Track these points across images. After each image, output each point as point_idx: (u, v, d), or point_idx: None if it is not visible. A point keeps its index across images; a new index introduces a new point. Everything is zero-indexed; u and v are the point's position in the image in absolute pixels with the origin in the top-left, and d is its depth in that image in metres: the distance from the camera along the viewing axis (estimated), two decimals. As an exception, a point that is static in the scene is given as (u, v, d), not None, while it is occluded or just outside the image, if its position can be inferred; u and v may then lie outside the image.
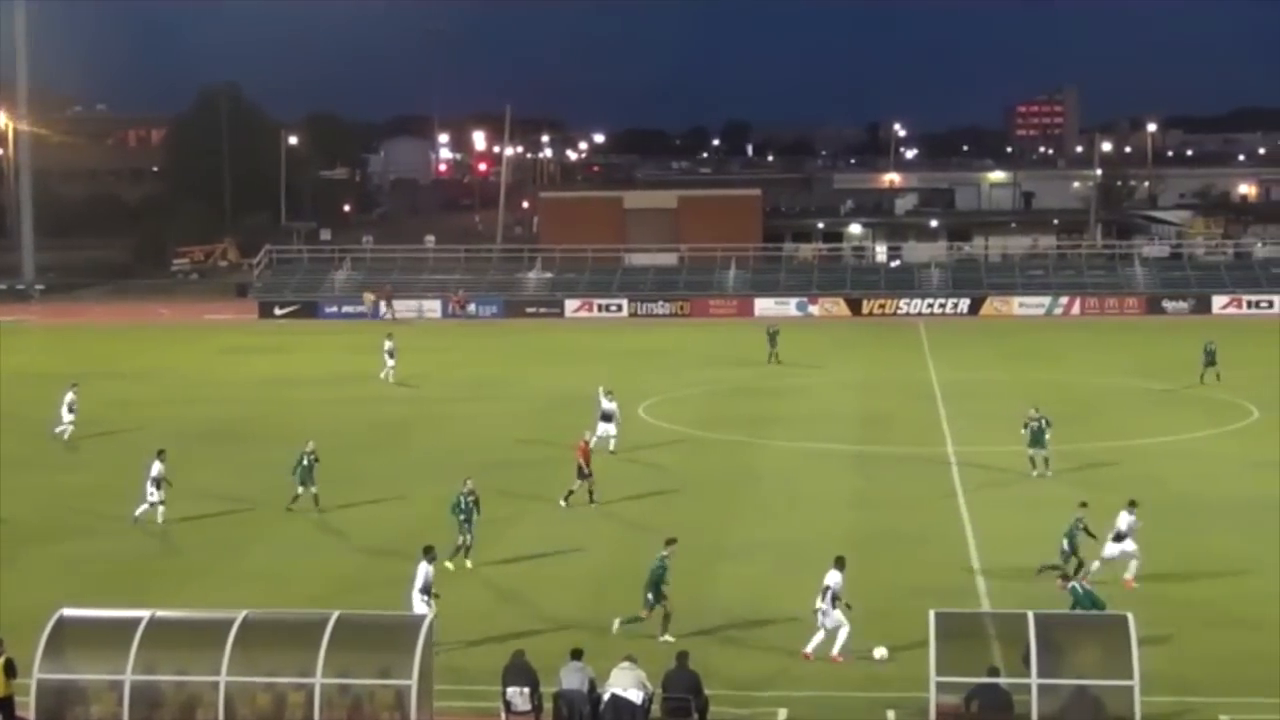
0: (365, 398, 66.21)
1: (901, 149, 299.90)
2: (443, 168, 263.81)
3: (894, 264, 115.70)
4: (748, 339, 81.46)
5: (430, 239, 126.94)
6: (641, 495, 45.83)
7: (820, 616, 30.91)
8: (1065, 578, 32.02)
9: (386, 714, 25.42)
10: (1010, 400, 59.10)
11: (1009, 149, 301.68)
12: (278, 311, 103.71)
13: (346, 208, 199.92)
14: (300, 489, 43.84)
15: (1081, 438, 52.88)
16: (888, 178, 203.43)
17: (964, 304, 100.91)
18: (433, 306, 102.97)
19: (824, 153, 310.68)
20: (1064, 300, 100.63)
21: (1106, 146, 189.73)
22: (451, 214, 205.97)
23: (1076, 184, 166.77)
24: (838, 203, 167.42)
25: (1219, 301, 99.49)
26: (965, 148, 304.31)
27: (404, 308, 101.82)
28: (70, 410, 56.21)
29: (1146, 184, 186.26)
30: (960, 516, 43.44)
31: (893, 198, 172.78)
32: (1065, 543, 35.71)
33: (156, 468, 42.93)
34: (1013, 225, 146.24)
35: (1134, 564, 35.79)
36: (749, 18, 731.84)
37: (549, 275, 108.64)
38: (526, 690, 26.86)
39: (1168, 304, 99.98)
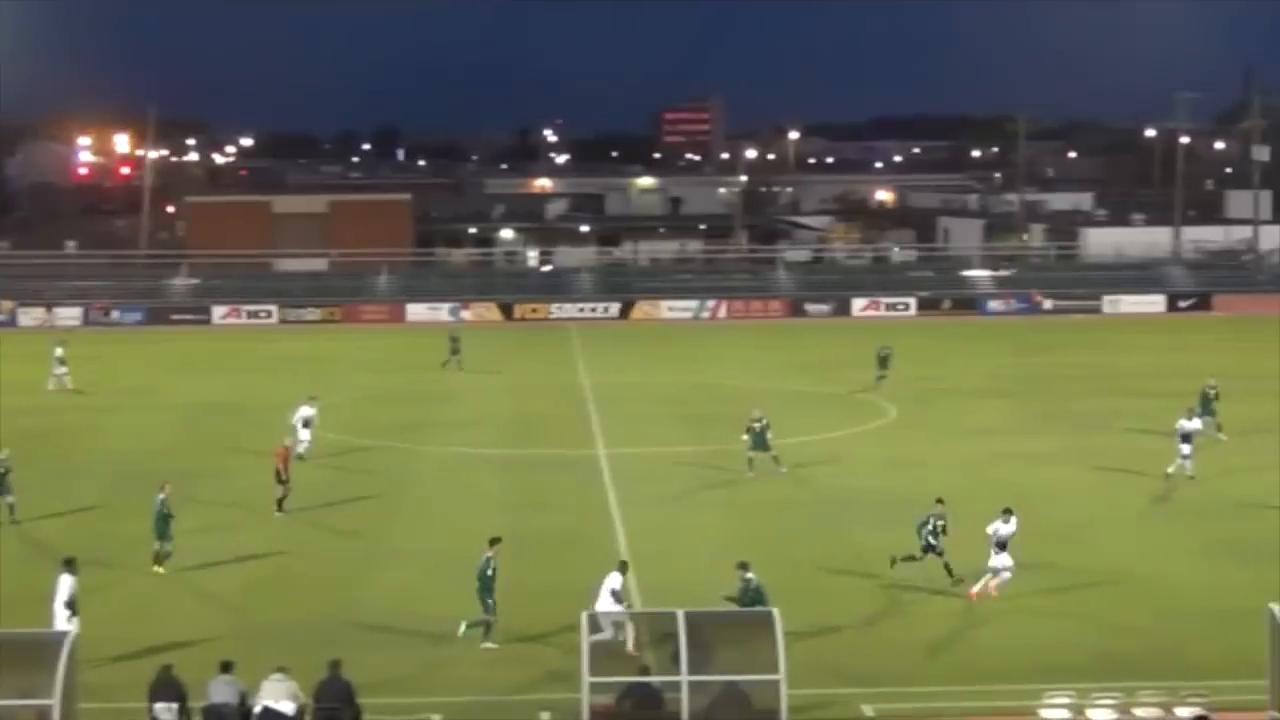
0: (7, 408, 63.71)
1: (552, 154, 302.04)
2: (83, 171, 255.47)
3: (545, 269, 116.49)
4: (400, 344, 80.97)
5: (71, 244, 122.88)
6: (298, 505, 44.96)
7: (602, 619, 30.26)
8: (911, 558, 35.44)
9: (28, 734, 24.62)
10: (659, 403, 60.06)
11: (657, 155, 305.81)
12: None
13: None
14: None
15: (733, 439, 53.46)
16: (539, 183, 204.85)
17: (614, 308, 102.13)
18: (74, 314, 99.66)
19: (475, 157, 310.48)
20: (711, 304, 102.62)
21: (751, 153, 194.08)
22: (94, 219, 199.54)
23: (723, 190, 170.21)
24: (489, 208, 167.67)
25: (859, 304, 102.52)
26: (615, 153, 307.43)
27: (42, 316, 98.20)
28: None
29: (789, 190, 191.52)
30: (611, 516, 44.15)
31: (544, 203, 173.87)
32: (927, 538, 36.16)
33: None
34: (661, 230, 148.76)
35: (1005, 575, 35.31)
36: (397, 19, 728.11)
37: (195, 281, 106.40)
38: (175, 706, 26.26)
39: (810, 306, 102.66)
